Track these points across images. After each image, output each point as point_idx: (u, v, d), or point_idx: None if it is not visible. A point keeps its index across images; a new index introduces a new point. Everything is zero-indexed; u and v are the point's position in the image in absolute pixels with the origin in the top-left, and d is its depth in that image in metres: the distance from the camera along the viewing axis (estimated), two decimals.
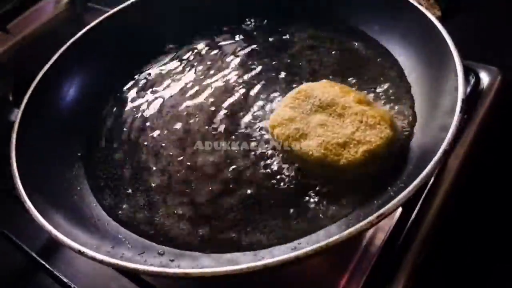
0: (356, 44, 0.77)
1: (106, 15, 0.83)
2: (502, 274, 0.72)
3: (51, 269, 0.65)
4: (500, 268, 0.72)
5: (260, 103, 0.72)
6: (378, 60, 0.73)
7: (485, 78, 0.75)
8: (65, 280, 0.63)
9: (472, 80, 0.74)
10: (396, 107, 0.65)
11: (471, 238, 0.72)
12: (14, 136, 0.66)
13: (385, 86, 0.69)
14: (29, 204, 0.56)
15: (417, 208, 0.64)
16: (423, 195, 0.65)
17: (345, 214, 0.56)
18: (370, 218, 0.47)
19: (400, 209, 0.65)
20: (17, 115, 0.69)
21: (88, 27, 0.81)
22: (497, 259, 0.74)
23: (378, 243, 0.62)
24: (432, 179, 0.66)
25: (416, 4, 0.68)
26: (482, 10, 0.87)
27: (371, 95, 0.69)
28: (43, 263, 0.66)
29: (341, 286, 0.59)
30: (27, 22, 1.07)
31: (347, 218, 0.55)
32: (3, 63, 1.01)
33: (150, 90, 0.80)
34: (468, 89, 0.72)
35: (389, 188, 0.55)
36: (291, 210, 0.58)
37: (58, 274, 0.64)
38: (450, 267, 0.71)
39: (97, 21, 0.82)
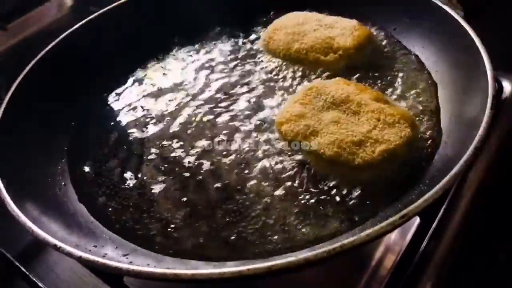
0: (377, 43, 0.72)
1: (106, 9, 0.79)
2: None
3: (28, 273, 0.59)
4: None
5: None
6: (399, 59, 0.69)
7: (507, 86, 0.70)
8: (42, 286, 0.57)
9: None
10: (418, 106, 0.60)
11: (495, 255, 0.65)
12: None
13: (407, 84, 0.64)
14: (3, 193, 0.50)
15: (435, 223, 0.58)
16: (442, 209, 0.60)
17: (361, 218, 0.50)
18: (392, 219, 0.41)
19: (416, 224, 0.59)
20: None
21: (81, 22, 0.77)
22: None
23: (390, 262, 0.57)
24: (452, 191, 0.60)
25: (440, 4, 0.65)
26: (506, 12, 0.83)
27: (391, 94, 0.64)
28: (20, 267, 0.59)
29: None
30: (28, 24, 1.04)
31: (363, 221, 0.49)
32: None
33: (143, 90, 0.75)
34: None
35: (410, 191, 0.49)
36: (300, 215, 0.52)
37: (35, 280, 0.58)
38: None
39: (92, 16, 0.78)
